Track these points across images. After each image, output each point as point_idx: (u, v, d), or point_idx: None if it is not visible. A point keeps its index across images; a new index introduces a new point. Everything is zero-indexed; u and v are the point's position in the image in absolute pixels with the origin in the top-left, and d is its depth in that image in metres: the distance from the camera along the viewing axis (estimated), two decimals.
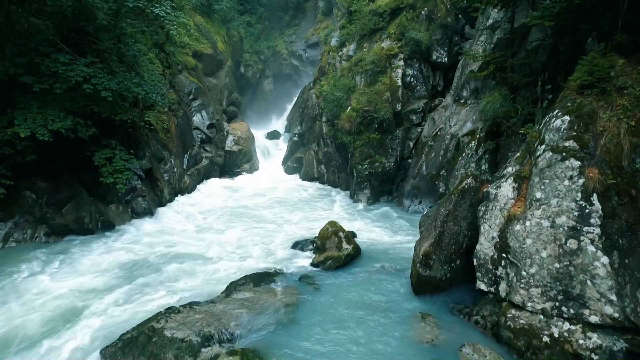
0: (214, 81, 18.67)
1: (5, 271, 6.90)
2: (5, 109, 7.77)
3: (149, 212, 10.39)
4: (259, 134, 20.26)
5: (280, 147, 19.78)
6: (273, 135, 21.37)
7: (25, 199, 8.25)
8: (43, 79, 7.71)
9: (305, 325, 5.40)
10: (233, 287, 6.36)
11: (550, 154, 5.19)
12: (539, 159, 5.33)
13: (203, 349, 4.91)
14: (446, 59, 13.46)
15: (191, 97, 15.43)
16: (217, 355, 4.80)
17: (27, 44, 7.82)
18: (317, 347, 4.97)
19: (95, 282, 6.76)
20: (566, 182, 4.97)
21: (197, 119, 15.42)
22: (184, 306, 5.71)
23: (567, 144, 5.14)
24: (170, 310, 5.54)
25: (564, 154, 5.08)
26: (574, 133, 5.15)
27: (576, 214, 4.82)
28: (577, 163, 4.97)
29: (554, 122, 5.44)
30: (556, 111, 5.59)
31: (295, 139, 17.68)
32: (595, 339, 4.47)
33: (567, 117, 5.30)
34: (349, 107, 13.10)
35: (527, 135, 6.10)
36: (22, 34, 7.92)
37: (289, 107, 22.92)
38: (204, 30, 18.43)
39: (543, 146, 5.41)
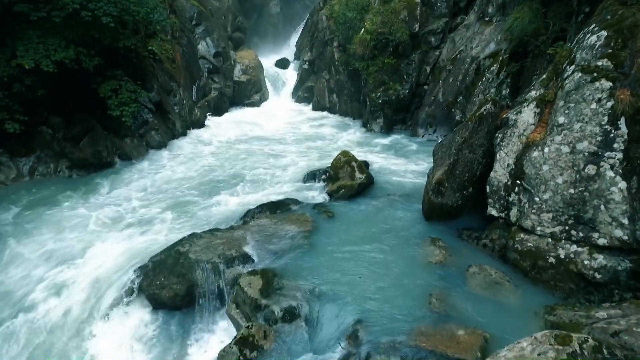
0: (216, 4, 17.36)
1: (39, 202, 7.34)
2: (5, 41, 7.53)
3: (164, 145, 10.53)
4: (267, 62, 19.33)
5: (290, 76, 19.02)
6: (282, 64, 20.36)
7: (42, 134, 8.40)
8: (39, 6, 7.30)
9: (319, 248, 5.71)
10: (250, 215, 6.66)
11: (580, 74, 4.83)
12: (567, 81, 4.98)
13: (226, 270, 5.34)
14: None
15: (194, 22, 14.52)
16: (238, 275, 5.22)
17: None
18: (331, 266, 5.30)
19: (122, 210, 7.16)
20: (593, 106, 4.69)
21: (202, 47, 14.69)
22: (205, 232, 6.07)
23: (599, 63, 4.74)
24: (193, 236, 5.91)
25: (594, 74, 4.71)
26: (610, 50, 4.71)
27: (599, 138, 4.63)
28: (608, 84, 4.63)
29: (588, 38, 4.95)
30: (592, 26, 5.06)
31: (306, 66, 16.85)
32: (600, 259, 4.61)
33: (604, 32, 4.81)
34: (362, 30, 12.16)
35: (556, 55, 5.63)
36: None
37: (298, 31, 21.47)
38: None
39: (573, 66, 5.01)
